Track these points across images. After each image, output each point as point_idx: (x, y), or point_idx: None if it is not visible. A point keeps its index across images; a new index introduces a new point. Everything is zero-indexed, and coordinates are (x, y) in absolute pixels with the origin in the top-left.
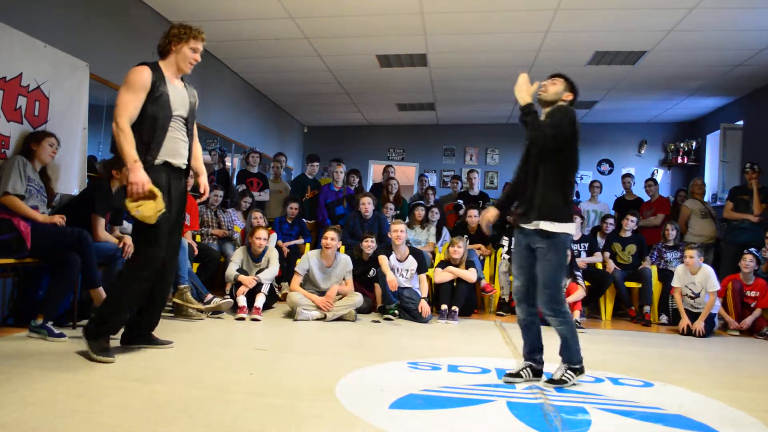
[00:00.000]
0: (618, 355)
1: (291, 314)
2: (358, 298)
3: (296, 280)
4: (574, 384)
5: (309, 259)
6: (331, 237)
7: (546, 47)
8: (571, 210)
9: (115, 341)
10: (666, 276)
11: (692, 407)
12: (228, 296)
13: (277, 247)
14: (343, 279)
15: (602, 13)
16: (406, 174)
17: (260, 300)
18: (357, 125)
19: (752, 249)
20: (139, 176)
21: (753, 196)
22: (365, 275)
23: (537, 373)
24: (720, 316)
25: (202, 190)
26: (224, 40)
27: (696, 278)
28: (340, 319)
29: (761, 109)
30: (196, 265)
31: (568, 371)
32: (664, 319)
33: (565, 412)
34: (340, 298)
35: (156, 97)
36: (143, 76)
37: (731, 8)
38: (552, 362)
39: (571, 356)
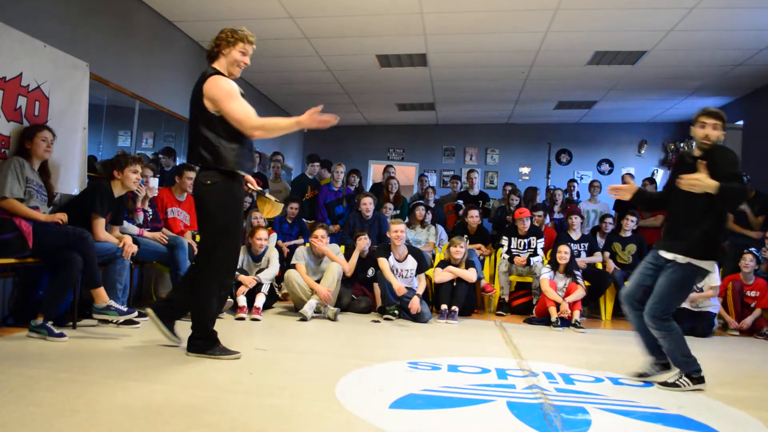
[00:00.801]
0: (618, 355)
1: (291, 312)
2: (336, 267)
3: (301, 267)
4: (691, 390)
5: (303, 253)
6: (321, 235)
7: (546, 47)
8: (715, 246)
9: (115, 341)
10: None
11: (692, 407)
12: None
13: (277, 247)
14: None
15: (602, 13)
16: (406, 174)
17: (260, 300)
18: (357, 125)
19: (752, 249)
20: (310, 121)
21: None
22: (364, 274)
23: (665, 366)
24: (720, 316)
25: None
26: None
27: None
28: (328, 319)
29: (761, 109)
30: None
31: (684, 378)
32: None
33: (565, 412)
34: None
35: None
36: (234, 83)
37: (731, 8)
38: (548, 362)
39: (679, 366)
